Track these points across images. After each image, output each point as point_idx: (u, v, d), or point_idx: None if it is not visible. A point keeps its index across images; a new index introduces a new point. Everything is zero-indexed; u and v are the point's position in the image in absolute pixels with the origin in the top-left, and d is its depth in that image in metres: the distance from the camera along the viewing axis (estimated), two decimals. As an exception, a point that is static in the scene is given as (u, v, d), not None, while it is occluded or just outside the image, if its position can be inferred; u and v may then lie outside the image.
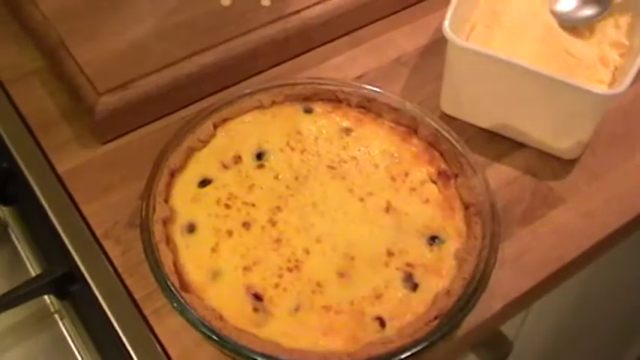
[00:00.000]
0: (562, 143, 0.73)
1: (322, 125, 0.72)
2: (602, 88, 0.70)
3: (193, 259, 0.63)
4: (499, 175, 0.72)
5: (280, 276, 0.62)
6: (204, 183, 0.68)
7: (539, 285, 0.67)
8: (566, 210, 0.71)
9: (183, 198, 0.66)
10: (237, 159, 0.69)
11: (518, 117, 0.73)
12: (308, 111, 0.73)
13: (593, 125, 0.71)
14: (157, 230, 0.63)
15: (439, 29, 0.71)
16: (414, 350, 0.57)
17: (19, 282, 0.64)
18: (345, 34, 0.85)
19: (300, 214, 0.65)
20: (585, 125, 0.71)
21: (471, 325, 0.63)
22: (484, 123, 0.75)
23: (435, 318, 0.59)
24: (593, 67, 0.73)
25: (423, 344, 0.58)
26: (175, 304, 0.59)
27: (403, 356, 0.57)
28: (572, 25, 0.76)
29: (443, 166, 0.69)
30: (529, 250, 0.68)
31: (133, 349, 0.61)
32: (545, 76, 0.67)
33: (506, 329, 0.85)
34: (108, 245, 0.67)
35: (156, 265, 0.61)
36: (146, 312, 0.63)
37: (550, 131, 0.72)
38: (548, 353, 1.02)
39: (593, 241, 0.70)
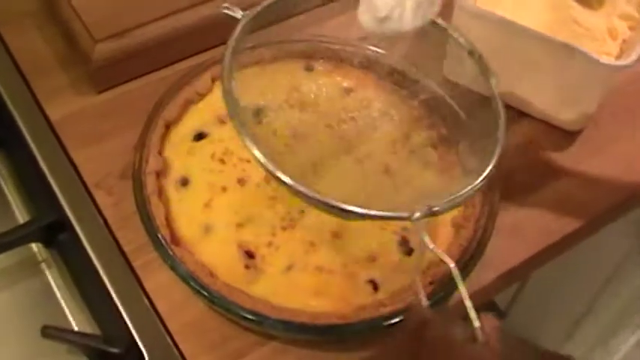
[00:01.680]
0: (566, 114, 0.71)
1: (323, 84, 0.70)
2: (609, 59, 0.68)
3: (186, 213, 0.62)
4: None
5: (273, 234, 0.61)
6: (200, 137, 0.66)
7: (535, 256, 0.66)
8: (566, 182, 0.70)
9: (178, 151, 0.65)
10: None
11: (523, 85, 0.71)
12: (309, 69, 0.71)
13: (598, 97, 0.70)
14: (150, 182, 0.62)
15: (447, -9, 0.69)
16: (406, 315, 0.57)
17: (7, 229, 0.63)
18: (350, -7, 0.83)
19: (297, 173, 0.64)
20: (590, 96, 0.69)
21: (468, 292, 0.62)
22: (487, 90, 0.74)
23: (430, 284, 0.58)
24: (602, 38, 0.71)
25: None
26: (165, 258, 0.58)
27: (394, 320, 0.57)
28: (582, -6, 0.74)
29: (444, 131, 0.68)
30: (527, 221, 0.67)
31: (121, 302, 0.59)
32: (553, 42, 0.65)
33: (498, 299, 0.85)
34: (99, 196, 0.65)
35: (147, 218, 0.60)
36: (135, 265, 0.62)
37: (554, 101, 0.71)
38: (540, 325, 1.02)
39: (592, 215, 0.69)
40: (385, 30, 0.58)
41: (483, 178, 0.55)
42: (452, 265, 0.50)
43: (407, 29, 0.58)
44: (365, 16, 0.58)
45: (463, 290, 0.49)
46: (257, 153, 0.53)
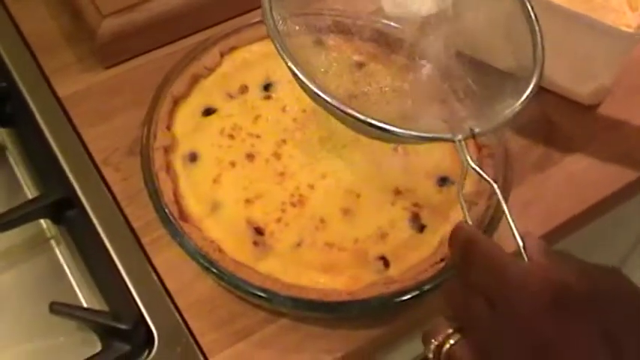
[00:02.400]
0: (582, 87, 0.70)
1: (333, 58, 0.69)
2: (628, 28, 0.66)
3: (194, 189, 0.61)
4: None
5: (283, 210, 0.60)
6: (208, 112, 0.65)
7: (549, 234, 0.65)
8: (581, 159, 0.69)
9: (186, 126, 0.64)
10: (244, 89, 0.67)
11: (539, 58, 0.70)
12: (319, 43, 0.70)
13: (616, 69, 0.68)
14: (158, 158, 0.61)
15: (460, -38, 0.67)
16: (416, 292, 0.56)
17: (15, 205, 0.63)
18: (362, -34, 0.81)
19: (306, 149, 0.63)
20: (608, 69, 0.68)
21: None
22: (502, 63, 0.72)
23: (441, 261, 0.57)
24: (620, 9, 0.69)
25: (427, 287, 0.56)
26: (174, 234, 0.57)
27: (405, 298, 0.56)
28: (601, -36, 0.72)
29: (457, 105, 0.67)
30: (540, 198, 0.66)
31: (130, 278, 0.59)
32: (570, 13, 0.64)
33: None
34: (107, 172, 0.65)
35: (155, 194, 0.59)
36: (144, 241, 0.61)
37: (571, 74, 0.69)
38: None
39: (608, 192, 0.68)
40: (407, 12, 0.57)
41: (524, 100, 0.54)
42: (495, 185, 0.49)
43: (426, 12, 0.58)
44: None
45: (505, 207, 0.48)
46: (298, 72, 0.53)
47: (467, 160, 0.50)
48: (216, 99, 0.66)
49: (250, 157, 0.63)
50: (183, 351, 0.56)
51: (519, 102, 0.54)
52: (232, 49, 0.69)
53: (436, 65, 0.63)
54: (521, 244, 0.45)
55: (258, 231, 0.59)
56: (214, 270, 0.56)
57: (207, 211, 0.60)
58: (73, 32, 0.74)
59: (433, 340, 0.44)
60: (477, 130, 0.52)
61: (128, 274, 0.59)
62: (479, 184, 0.62)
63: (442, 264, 0.57)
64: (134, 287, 0.59)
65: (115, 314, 0.58)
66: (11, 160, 0.69)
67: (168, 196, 0.60)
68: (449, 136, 0.51)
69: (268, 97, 0.66)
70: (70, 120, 0.68)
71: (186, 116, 0.65)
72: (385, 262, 0.58)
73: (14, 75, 0.70)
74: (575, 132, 0.71)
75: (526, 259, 0.44)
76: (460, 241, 0.46)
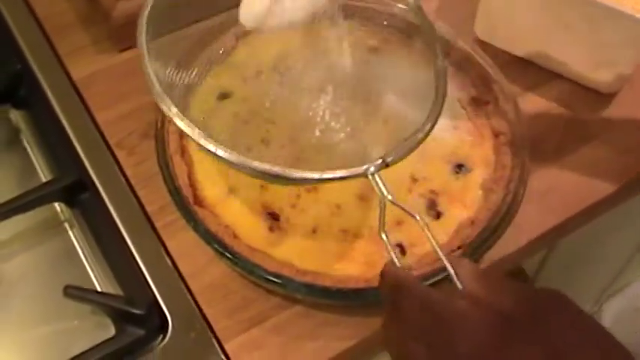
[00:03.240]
0: (601, 75, 0.69)
1: (348, 43, 0.68)
2: (649, 17, 0.65)
3: (209, 173, 0.61)
4: (532, 105, 0.69)
5: (298, 196, 0.60)
6: (223, 96, 0.65)
7: (566, 222, 0.64)
8: (598, 146, 0.68)
9: (201, 110, 0.64)
10: (259, 73, 0.66)
11: (557, 45, 0.69)
12: (335, 27, 0.69)
13: (635, 57, 0.67)
14: (173, 142, 0.61)
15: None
16: (433, 279, 0.55)
17: (29, 188, 0.62)
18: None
19: (323, 133, 0.62)
20: (627, 57, 0.67)
21: (494, 258, 0.60)
22: (520, 50, 0.72)
23: (458, 248, 0.57)
24: (640, -4, 0.69)
25: (443, 274, 0.55)
26: (188, 219, 0.57)
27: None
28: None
29: (474, 92, 0.66)
30: (558, 186, 0.65)
31: (144, 262, 0.59)
32: (589, 0, 0.63)
33: (526, 265, 0.83)
34: (121, 155, 0.65)
35: (169, 178, 0.59)
36: (158, 225, 0.61)
37: (589, 62, 0.68)
38: (568, 291, 1.01)
39: (625, 181, 0.67)
40: (270, 25, 0.56)
41: (432, 124, 0.52)
42: (417, 217, 0.47)
43: (296, 19, 0.56)
44: (244, 16, 0.56)
45: (430, 237, 0.46)
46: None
47: (384, 194, 0.48)
48: (232, 83, 0.65)
49: (265, 142, 0.62)
50: (198, 336, 0.56)
51: (429, 120, 0.52)
52: (248, 32, 0.68)
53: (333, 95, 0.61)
54: (452, 272, 0.44)
55: (273, 216, 0.59)
56: (228, 255, 0.56)
57: (222, 195, 0.60)
58: (88, 14, 0.74)
59: None
60: (389, 159, 0.49)
61: (142, 258, 0.59)
62: (496, 171, 0.62)
63: (459, 251, 0.57)
64: (148, 271, 0.58)
65: (129, 299, 0.58)
66: (25, 143, 0.69)
67: (182, 180, 0.59)
68: (361, 171, 0.49)
69: (283, 82, 0.65)
70: (84, 103, 0.68)
71: (201, 100, 0.64)
72: (401, 249, 0.58)
73: (28, 57, 0.70)
74: (593, 120, 0.70)
75: (459, 286, 0.43)
76: (388, 286, 0.44)
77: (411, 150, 0.51)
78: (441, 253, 0.45)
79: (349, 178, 0.50)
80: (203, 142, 0.50)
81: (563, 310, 0.41)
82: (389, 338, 0.44)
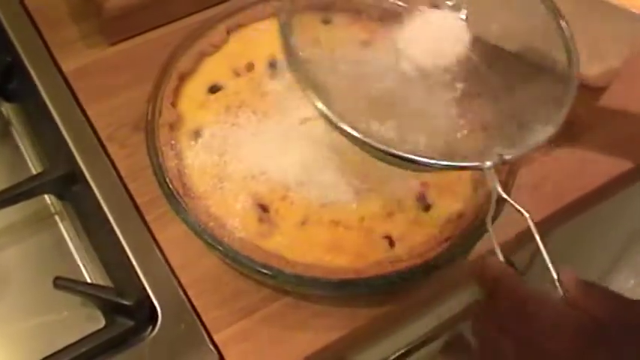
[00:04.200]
0: (591, 69, 0.69)
1: (340, 37, 0.68)
2: (637, 10, 0.66)
3: (199, 165, 0.61)
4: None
5: (288, 188, 0.60)
6: (214, 89, 0.65)
7: (555, 214, 0.65)
8: (589, 139, 0.69)
9: (192, 103, 0.64)
10: (250, 66, 0.66)
11: (547, 39, 0.69)
12: (326, 21, 0.69)
13: (625, 51, 0.67)
14: (163, 134, 0.61)
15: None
16: (422, 271, 0.56)
17: (20, 180, 0.62)
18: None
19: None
20: (617, 51, 0.67)
21: (483, 250, 0.60)
22: (511, 44, 0.72)
23: (447, 240, 0.57)
24: (630, -11, 0.69)
25: (432, 265, 0.56)
26: (178, 211, 0.57)
27: (410, 276, 0.56)
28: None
29: (463, 85, 0.66)
30: (548, 178, 0.66)
31: (134, 255, 0.59)
32: (579, -6, 0.63)
33: (516, 259, 0.83)
34: (112, 148, 0.65)
35: (160, 170, 0.59)
36: (148, 218, 0.61)
37: (580, 55, 0.68)
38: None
39: (615, 174, 0.68)
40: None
41: (557, 127, 0.53)
42: (527, 215, 0.48)
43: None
44: None
45: (539, 240, 0.46)
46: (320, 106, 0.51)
47: (497, 189, 0.49)
48: (223, 76, 0.65)
49: (256, 134, 0.62)
50: (187, 327, 0.56)
51: (553, 127, 0.53)
52: (239, 26, 0.68)
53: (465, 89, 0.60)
54: (556, 276, 0.44)
55: (263, 208, 0.59)
56: (219, 247, 0.56)
57: (213, 187, 0.60)
58: (79, 7, 0.73)
59: None
60: (507, 156, 0.50)
61: (132, 250, 0.59)
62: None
63: (447, 243, 0.57)
64: (138, 263, 0.58)
65: (119, 290, 0.58)
66: (16, 136, 0.69)
67: (172, 173, 0.59)
68: (477, 164, 0.49)
69: (275, 75, 0.66)
70: (74, 95, 0.68)
71: (192, 93, 0.64)
72: (391, 240, 0.58)
73: (19, 50, 0.69)
74: (583, 113, 0.70)
75: (561, 292, 0.43)
76: (489, 280, 0.45)
77: (531, 151, 0.51)
78: (547, 258, 0.45)
79: (466, 168, 0.52)
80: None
81: None
82: (478, 328, 0.44)
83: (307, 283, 0.55)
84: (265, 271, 0.55)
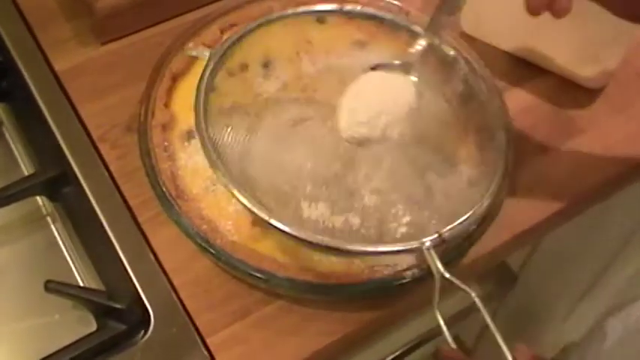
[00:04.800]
0: (587, 70, 0.69)
1: (335, 37, 0.68)
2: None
3: (192, 167, 0.60)
4: (518, 100, 0.69)
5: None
6: (208, 89, 0.64)
7: (550, 218, 0.64)
8: (584, 142, 0.68)
9: (185, 104, 0.63)
10: (244, 67, 0.66)
11: (543, 40, 0.69)
12: (321, 21, 0.69)
13: (620, 53, 0.67)
14: (156, 135, 0.61)
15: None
16: (418, 274, 0.55)
17: (11, 181, 0.62)
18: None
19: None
20: (612, 52, 0.67)
21: (478, 253, 0.60)
22: (506, 45, 0.71)
23: (439, 236, 0.56)
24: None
25: (426, 270, 0.55)
26: (171, 213, 0.57)
27: (404, 281, 0.55)
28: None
29: (459, 86, 0.66)
30: (543, 181, 0.65)
31: (126, 257, 0.58)
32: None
33: (510, 262, 0.83)
34: (104, 149, 0.64)
35: (152, 172, 0.59)
36: (141, 220, 0.61)
37: (575, 57, 0.68)
38: (552, 288, 1.01)
39: (609, 177, 0.67)
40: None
41: (490, 196, 0.54)
42: (473, 294, 0.47)
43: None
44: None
45: (489, 320, 0.46)
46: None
47: (441, 270, 0.48)
48: (216, 77, 0.65)
49: (249, 136, 0.62)
50: (180, 331, 0.56)
51: (488, 197, 0.54)
52: (232, 25, 0.68)
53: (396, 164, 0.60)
54: (509, 358, 0.44)
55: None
56: (211, 250, 0.56)
57: (205, 189, 0.59)
58: (71, 6, 0.73)
59: None
60: (445, 234, 0.49)
61: (124, 252, 0.59)
62: (480, 165, 0.62)
63: (442, 247, 0.56)
64: (130, 266, 0.58)
65: (111, 293, 0.57)
66: (7, 136, 0.68)
67: (165, 174, 0.59)
68: (416, 245, 0.49)
69: (268, 75, 0.65)
70: (66, 95, 0.67)
71: (184, 94, 0.64)
72: (385, 243, 0.57)
73: (10, 49, 0.69)
74: (579, 115, 0.70)
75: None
76: None
77: (470, 226, 0.52)
78: (499, 339, 0.45)
79: (404, 252, 0.51)
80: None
81: None
82: None
83: (300, 286, 0.55)
84: (258, 274, 0.55)
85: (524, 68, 0.71)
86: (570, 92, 0.71)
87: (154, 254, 0.59)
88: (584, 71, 0.69)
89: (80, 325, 0.58)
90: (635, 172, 0.69)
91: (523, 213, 0.63)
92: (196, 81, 0.64)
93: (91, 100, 0.67)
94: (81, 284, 0.60)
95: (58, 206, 0.64)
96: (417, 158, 0.59)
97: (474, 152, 0.62)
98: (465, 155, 0.62)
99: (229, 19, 0.68)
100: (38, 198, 0.64)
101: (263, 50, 0.66)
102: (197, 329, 0.56)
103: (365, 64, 0.62)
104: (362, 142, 0.56)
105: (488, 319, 0.46)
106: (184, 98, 0.64)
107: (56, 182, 0.63)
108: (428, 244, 0.49)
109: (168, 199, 0.57)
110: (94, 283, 0.60)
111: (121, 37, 0.71)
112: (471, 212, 0.53)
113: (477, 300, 0.47)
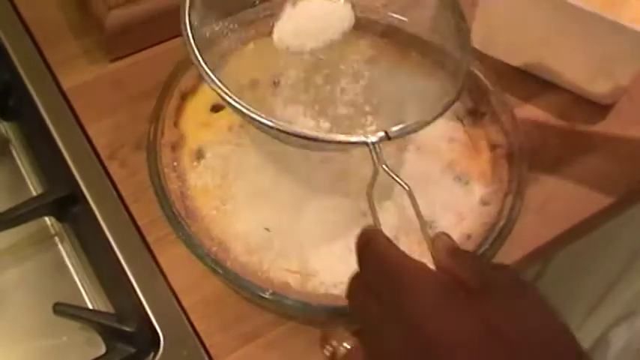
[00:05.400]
0: (599, 87, 0.68)
1: (345, 53, 0.67)
2: (647, 28, 0.65)
3: (202, 187, 0.60)
4: (529, 116, 0.68)
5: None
6: (217, 108, 0.64)
7: (564, 234, 0.64)
8: (597, 158, 0.68)
9: (194, 122, 0.63)
10: (254, 83, 0.65)
11: (555, 56, 0.68)
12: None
13: (633, 69, 0.67)
14: (165, 155, 0.60)
15: (474, -45, 0.66)
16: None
17: (20, 201, 0.61)
18: (374, -41, 0.80)
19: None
20: (625, 68, 0.66)
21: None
22: (517, 61, 0.71)
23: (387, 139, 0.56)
24: (639, 6, 0.68)
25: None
26: (180, 233, 0.56)
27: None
28: (619, -40, 0.71)
29: (470, 103, 0.65)
30: (555, 198, 0.65)
31: (135, 278, 0.58)
32: (586, 12, 0.62)
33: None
34: (113, 168, 0.63)
35: (161, 191, 0.58)
36: (150, 240, 0.60)
37: (587, 73, 0.68)
38: (561, 303, 1.00)
39: (623, 193, 0.67)
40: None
41: (446, 105, 0.54)
42: (407, 188, 0.48)
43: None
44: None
45: (416, 207, 0.47)
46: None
47: (380, 162, 0.49)
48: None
49: (259, 154, 0.61)
50: (190, 353, 0.55)
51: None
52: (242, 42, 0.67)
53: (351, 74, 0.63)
54: (428, 243, 0.44)
55: (269, 231, 0.58)
56: (221, 271, 0.55)
57: (216, 209, 0.59)
58: (79, 23, 0.72)
59: (327, 346, 0.43)
60: (392, 132, 0.51)
61: (133, 273, 0.58)
62: (492, 183, 0.61)
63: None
64: (139, 287, 0.57)
65: (120, 316, 0.57)
66: (15, 155, 0.68)
67: (175, 194, 0.58)
68: (362, 139, 0.50)
69: (278, 93, 0.65)
70: (74, 114, 0.67)
71: (194, 112, 0.63)
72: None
73: (18, 67, 0.68)
74: (591, 131, 0.69)
75: (432, 260, 0.44)
76: (361, 241, 0.45)
77: (416, 129, 0.52)
78: (421, 224, 0.46)
79: (350, 144, 0.51)
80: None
81: (522, 297, 0.40)
82: (350, 290, 0.44)
83: (312, 308, 0.54)
84: (269, 296, 0.54)
85: (535, 84, 0.71)
86: (582, 108, 0.70)
87: (163, 275, 0.58)
88: (596, 87, 0.68)
89: (89, 347, 0.57)
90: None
91: (536, 230, 0.62)
92: (205, 98, 0.64)
93: (100, 119, 0.66)
94: (89, 305, 0.60)
95: (66, 226, 0.63)
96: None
97: (486, 170, 0.62)
98: (478, 173, 0.62)
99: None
100: (46, 218, 0.64)
101: (274, 66, 0.65)
102: (207, 351, 0.55)
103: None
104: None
105: (418, 211, 0.47)
106: (193, 116, 0.63)
107: (64, 202, 0.62)
108: (374, 139, 0.50)
109: (178, 220, 0.57)
110: (103, 304, 0.59)
111: (130, 54, 0.71)
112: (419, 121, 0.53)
113: (410, 195, 0.48)
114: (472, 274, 0.40)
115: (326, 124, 0.59)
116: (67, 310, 0.56)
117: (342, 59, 0.64)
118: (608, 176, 0.67)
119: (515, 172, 0.61)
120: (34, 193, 0.65)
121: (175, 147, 0.61)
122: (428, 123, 0.52)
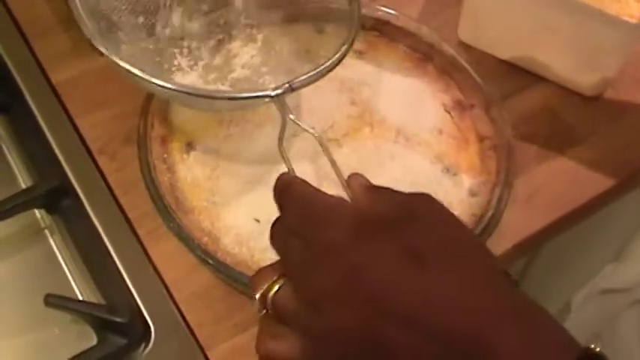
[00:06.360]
0: (585, 78, 0.69)
1: (334, 47, 0.68)
2: (632, 19, 0.65)
3: (192, 179, 0.60)
4: (517, 109, 0.69)
5: (283, 202, 0.59)
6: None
7: (551, 226, 0.64)
8: (584, 149, 0.68)
9: (184, 115, 0.63)
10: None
11: (541, 49, 0.69)
12: (319, 31, 0.69)
13: (619, 61, 0.67)
14: (155, 148, 0.60)
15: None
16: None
17: (9, 194, 0.61)
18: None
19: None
20: (611, 60, 0.67)
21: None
22: (504, 54, 0.71)
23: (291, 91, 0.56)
24: (624, 0, 0.69)
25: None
26: (171, 225, 0.56)
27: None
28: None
29: (458, 95, 0.66)
30: (543, 189, 0.65)
31: (126, 270, 0.58)
32: (573, 3, 0.63)
33: (510, 269, 0.82)
34: (103, 161, 0.64)
35: (152, 184, 0.58)
36: (140, 232, 0.60)
37: (573, 65, 0.68)
38: (554, 295, 1.01)
39: (610, 184, 0.67)
40: None
41: (342, 53, 0.55)
42: (316, 135, 0.50)
43: None
44: None
45: (328, 152, 0.49)
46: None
47: (287, 113, 0.51)
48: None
49: (249, 147, 0.61)
50: (181, 344, 0.55)
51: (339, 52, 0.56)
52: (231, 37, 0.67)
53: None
54: (343, 182, 0.46)
55: (258, 222, 0.58)
56: (211, 262, 0.55)
57: (205, 201, 0.59)
58: (68, 17, 0.72)
59: (257, 289, 0.43)
60: (295, 83, 0.52)
61: (124, 265, 0.58)
62: (481, 175, 0.62)
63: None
64: (130, 279, 0.58)
65: (111, 307, 0.57)
66: (5, 149, 0.67)
67: (165, 186, 0.59)
68: (266, 92, 0.52)
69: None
70: (64, 107, 0.67)
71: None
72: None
73: (7, 61, 0.68)
74: (577, 123, 0.70)
75: (349, 195, 0.45)
76: (278, 187, 0.45)
77: (317, 78, 0.54)
78: (334, 167, 0.48)
79: (254, 98, 0.53)
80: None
81: (431, 214, 0.40)
82: (272, 235, 0.44)
83: (302, 299, 0.54)
84: (259, 287, 0.54)
85: (523, 77, 0.71)
86: (569, 100, 0.71)
87: (154, 267, 0.59)
88: (583, 79, 0.69)
89: (80, 339, 0.57)
90: (635, 179, 0.69)
91: (524, 221, 0.63)
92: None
93: (89, 112, 0.66)
94: (80, 298, 0.60)
95: (56, 219, 0.63)
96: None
97: (475, 161, 0.62)
98: (466, 165, 0.62)
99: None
100: (36, 211, 0.64)
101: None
102: (198, 342, 0.56)
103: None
104: None
105: (331, 158, 0.48)
106: (183, 111, 0.63)
107: (54, 195, 0.62)
108: (279, 91, 0.51)
109: (169, 212, 0.57)
110: (94, 297, 0.60)
111: (118, 48, 0.71)
112: (322, 67, 0.54)
113: (319, 140, 0.50)
114: (389, 205, 0.41)
115: (225, 87, 0.62)
116: (58, 302, 0.56)
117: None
118: (596, 168, 0.67)
119: (503, 163, 0.62)
120: (24, 187, 0.64)
121: (165, 140, 0.61)
122: (329, 69, 0.54)
